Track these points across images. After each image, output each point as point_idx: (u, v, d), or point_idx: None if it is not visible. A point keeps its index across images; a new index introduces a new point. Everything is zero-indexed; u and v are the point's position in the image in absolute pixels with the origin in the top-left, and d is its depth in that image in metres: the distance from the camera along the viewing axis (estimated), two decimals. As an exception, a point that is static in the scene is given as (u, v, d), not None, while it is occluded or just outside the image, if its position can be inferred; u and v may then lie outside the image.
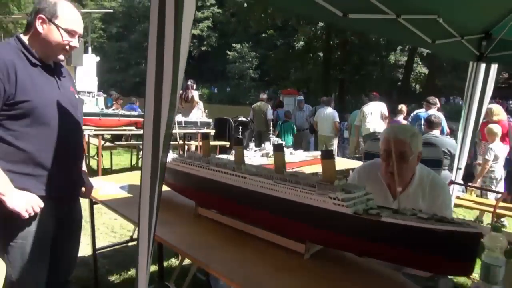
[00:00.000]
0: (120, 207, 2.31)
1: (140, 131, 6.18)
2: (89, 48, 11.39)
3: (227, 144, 7.98)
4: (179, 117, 7.93)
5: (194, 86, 8.51)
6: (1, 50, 1.73)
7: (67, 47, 1.83)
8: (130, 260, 3.30)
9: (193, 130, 6.77)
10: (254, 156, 3.50)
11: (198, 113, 8.61)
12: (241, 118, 8.80)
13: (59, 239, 1.93)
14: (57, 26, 1.79)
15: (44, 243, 1.83)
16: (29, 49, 1.79)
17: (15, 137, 1.72)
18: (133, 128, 6.06)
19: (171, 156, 2.47)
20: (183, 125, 6.66)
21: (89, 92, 11.78)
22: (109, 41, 52.82)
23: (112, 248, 3.44)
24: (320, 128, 8.56)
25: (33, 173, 1.77)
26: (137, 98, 10.68)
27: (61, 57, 1.88)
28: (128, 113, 6.06)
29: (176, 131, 6.74)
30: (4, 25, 16.43)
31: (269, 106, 8.94)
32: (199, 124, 6.79)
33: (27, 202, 1.71)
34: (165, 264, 3.23)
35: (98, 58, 11.69)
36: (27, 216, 1.71)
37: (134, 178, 2.96)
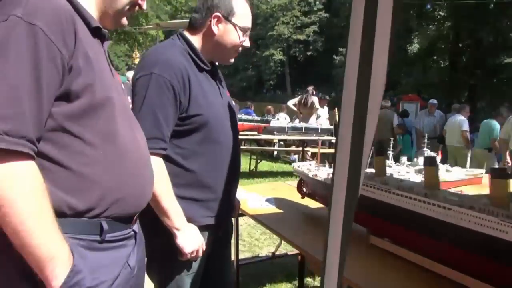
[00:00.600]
0: (273, 223, 2.09)
1: (259, 136, 6.08)
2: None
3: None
4: (296, 123, 7.72)
5: (314, 92, 8.25)
6: (174, 53, 1.48)
7: (240, 48, 1.62)
8: (271, 275, 3.16)
9: (313, 137, 6.46)
10: (407, 172, 3.03)
11: (321, 120, 8.35)
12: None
13: (210, 259, 1.68)
14: (234, 25, 1.53)
15: (199, 272, 1.61)
16: (196, 51, 1.53)
17: (183, 157, 1.48)
18: (255, 133, 5.98)
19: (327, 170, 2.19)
20: (303, 131, 6.40)
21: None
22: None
23: (254, 261, 3.34)
24: (447, 138, 7.70)
25: (198, 198, 1.52)
26: (252, 102, 10.80)
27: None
28: (251, 118, 5.99)
29: (291, 137, 6.54)
30: (134, 37, 18.15)
31: (395, 114, 8.30)
32: (319, 131, 6.45)
33: (195, 244, 1.47)
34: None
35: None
36: (188, 258, 1.48)
37: (278, 190, 2.74)
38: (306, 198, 2.29)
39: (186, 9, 21.91)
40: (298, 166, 2.31)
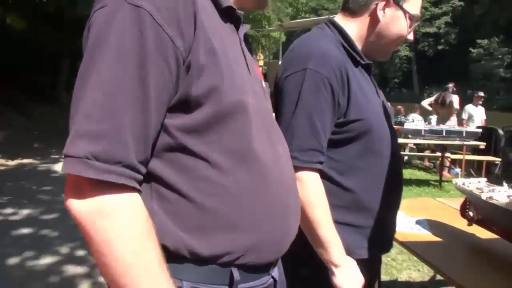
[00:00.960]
0: (432, 256, 1.65)
1: None
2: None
3: (497, 160, 6.41)
4: (433, 125, 6.87)
5: (455, 89, 7.26)
6: (328, 44, 1.18)
7: (403, 41, 1.27)
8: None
9: (457, 142, 5.59)
10: None
11: (475, 121, 7.37)
12: (517, 128, 6.95)
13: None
14: (405, 12, 1.19)
15: None
16: (351, 41, 1.21)
17: (339, 172, 1.18)
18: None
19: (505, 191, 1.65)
20: (443, 134, 5.58)
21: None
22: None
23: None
24: None
25: (357, 224, 1.19)
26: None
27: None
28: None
29: (429, 141, 5.72)
30: (258, 39, 18.71)
31: None
32: (464, 135, 5.55)
33: (356, 284, 1.13)
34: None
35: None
36: None
37: (430, 209, 2.24)
38: (474, 225, 1.79)
39: (307, 10, 21.85)
40: (463, 184, 1.81)
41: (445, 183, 5.86)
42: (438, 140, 5.58)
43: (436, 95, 7.47)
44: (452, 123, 7.04)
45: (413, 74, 49.23)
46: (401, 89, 49.45)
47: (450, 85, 7.16)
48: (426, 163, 7.97)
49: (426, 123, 7.75)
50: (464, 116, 7.54)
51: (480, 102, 7.73)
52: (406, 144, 7.00)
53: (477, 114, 7.53)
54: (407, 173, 7.30)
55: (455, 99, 7.07)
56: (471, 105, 7.69)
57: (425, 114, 8.59)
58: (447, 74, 41.44)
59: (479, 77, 38.45)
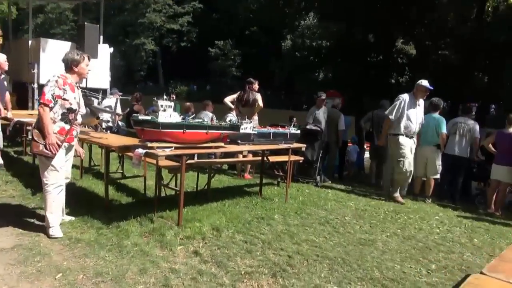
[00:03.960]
0: None
1: (225, 149, 4.71)
2: (101, 38, 9.62)
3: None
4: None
5: (257, 86, 7.11)
6: None
7: None
8: None
9: (283, 145, 5.34)
10: None
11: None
12: (310, 126, 7.44)
13: None
14: None
15: None
16: None
17: None
18: (221, 144, 4.59)
19: None
20: (270, 138, 5.23)
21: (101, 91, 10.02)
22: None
23: None
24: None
25: None
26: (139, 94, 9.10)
27: None
28: (216, 124, 4.55)
29: (257, 147, 5.31)
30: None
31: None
32: (288, 137, 5.37)
33: None
34: None
35: (112, 49, 9.93)
36: None
37: None
38: None
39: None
40: None
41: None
42: (266, 144, 5.17)
43: (238, 92, 7.15)
44: (255, 123, 6.88)
45: (159, 68, 49.97)
46: (147, 82, 49.47)
47: (252, 80, 7.00)
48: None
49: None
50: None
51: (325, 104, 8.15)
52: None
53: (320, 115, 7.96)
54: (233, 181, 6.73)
55: (259, 98, 6.92)
56: None
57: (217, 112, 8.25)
58: (190, 70, 44.16)
59: (216, 74, 42.67)
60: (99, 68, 9.61)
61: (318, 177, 7.37)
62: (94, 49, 9.07)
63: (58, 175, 3.85)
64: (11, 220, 4.20)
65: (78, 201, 4.70)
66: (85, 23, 9.05)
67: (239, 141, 5.00)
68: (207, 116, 7.95)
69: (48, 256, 3.43)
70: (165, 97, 4.16)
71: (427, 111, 6.94)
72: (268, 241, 4.03)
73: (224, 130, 4.54)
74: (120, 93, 9.46)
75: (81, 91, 4.39)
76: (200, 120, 4.43)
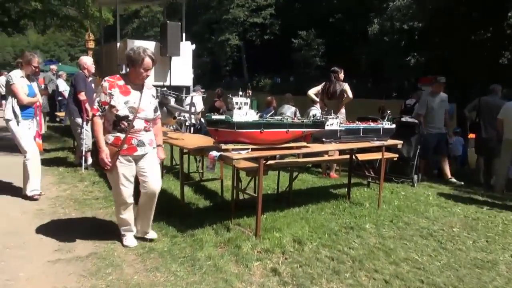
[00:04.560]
0: None
1: (308, 149, 4.13)
2: (184, 35, 9.60)
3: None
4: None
5: (342, 75, 6.42)
6: None
7: None
8: None
9: (375, 143, 4.64)
10: None
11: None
12: (405, 118, 6.57)
13: None
14: None
15: None
16: None
17: None
18: (304, 144, 4.07)
19: None
20: (360, 134, 4.57)
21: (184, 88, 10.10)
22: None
23: None
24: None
25: None
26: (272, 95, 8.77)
27: None
28: (298, 121, 4.03)
29: (345, 146, 4.67)
30: (80, 21, 15.31)
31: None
32: (381, 133, 4.65)
33: None
34: None
35: (194, 46, 9.90)
36: None
37: None
38: None
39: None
40: None
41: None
42: (356, 141, 4.52)
43: (322, 83, 6.53)
44: (342, 116, 6.22)
45: (243, 62, 50.75)
46: (233, 77, 50.55)
47: (337, 69, 6.34)
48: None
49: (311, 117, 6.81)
50: None
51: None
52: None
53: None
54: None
55: (347, 88, 6.22)
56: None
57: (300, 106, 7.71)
58: (273, 63, 44.07)
59: (300, 65, 41.97)
60: (182, 65, 9.66)
61: (415, 176, 6.46)
62: (177, 47, 9.09)
63: (121, 192, 3.44)
64: (92, 224, 4.17)
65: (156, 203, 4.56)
66: (167, 21, 9.10)
67: (324, 140, 4.44)
68: (289, 111, 7.49)
69: (120, 268, 3.25)
70: (240, 93, 3.76)
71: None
72: (359, 258, 3.43)
73: (307, 128, 4.01)
74: (203, 90, 9.41)
75: (158, 90, 4.18)
76: (280, 118, 3.96)
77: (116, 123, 3.29)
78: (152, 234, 3.76)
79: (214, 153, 3.65)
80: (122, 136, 3.29)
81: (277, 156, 5.00)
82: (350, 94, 6.27)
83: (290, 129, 3.83)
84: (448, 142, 7.35)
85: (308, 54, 41.32)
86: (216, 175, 5.35)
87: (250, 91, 3.54)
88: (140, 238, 3.74)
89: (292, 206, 4.73)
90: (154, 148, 3.53)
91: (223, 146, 3.62)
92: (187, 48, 9.78)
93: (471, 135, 9.14)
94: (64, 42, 59.42)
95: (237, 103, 3.64)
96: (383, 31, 30.68)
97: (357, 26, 35.02)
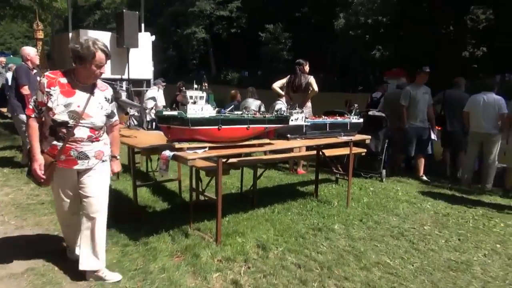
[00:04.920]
0: None
1: (272, 145, 3.71)
2: (142, 25, 9.08)
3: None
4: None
5: (308, 68, 6.16)
6: None
7: None
8: None
9: (343, 138, 4.40)
10: None
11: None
12: (373, 112, 6.39)
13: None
14: None
15: None
16: None
17: None
18: (267, 141, 3.76)
19: None
20: (327, 130, 4.32)
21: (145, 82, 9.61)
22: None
23: None
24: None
25: None
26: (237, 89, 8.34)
27: None
28: (260, 116, 3.70)
29: (312, 142, 4.36)
30: (35, 11, 14.36)
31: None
32: (349, 127, 4.41)
33: None
34: None
35: (153, 37, 9.39)
36: None
37: None
38: None
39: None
40: None
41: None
42: (322, 138, 4.26)
43: (287, 76, 6.24)
44: (308, 111, 5.98)
45: (210, 56, 49.99)
46: (200, 71, 49.74)
47: (302, 61, 6.07)
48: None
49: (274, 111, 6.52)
50: None
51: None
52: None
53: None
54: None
55: (312, 81, 5.96)
56: None
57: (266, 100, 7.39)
58: (240, 56, 43.63)
59: (267, 59, 41.77)
60: (141, 58, 9.14)
61: (383, 171, 6.31)
62: (134, 38, 8.58)
63: (61, 207, 2.92)
64: (33, 234, 3.71)
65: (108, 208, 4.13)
66: (124, 10, 8.55)
67: (288, 136, 4.14)
68: (254, 104, 7.15)
69: (60, 286, 2.83)
70: (195, 86, 3.39)
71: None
72: (328, 265, 3.16)
73: (270, 123, 3.69)
74: (164, 84, 8.92)
75: (107, 82, 3.69)
76: (240, 113, 3.62)
77: (53, 129, 2.66)
78: (106, 274, 2.91)
79: (167, 153, 3.27)
80: (59, 145, 2.67)
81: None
82: (316, 87, 6.02)
83: (251, 125, 3.50)
84: (431, 138, 6.96)
85: (276, 48, 41.22)
86: (175, 175, 4.96)
87: (206, 84, 3.18)
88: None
89: (256, 207, 4.42)
90: (104, 161, 2.89)
91: (177, 145, 3.25)
92: (146, 39, 9.27)
93: (437, 128, 9.17)
94: (21, 34, 56.50)
95: (191, 97, 3.28)
96: (349, 26, 30.97)
97: (324, 21, 35.17)
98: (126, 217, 3.96)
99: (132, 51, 8.80)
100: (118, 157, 3.10)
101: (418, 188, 5.91)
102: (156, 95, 8.60)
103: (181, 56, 49.78)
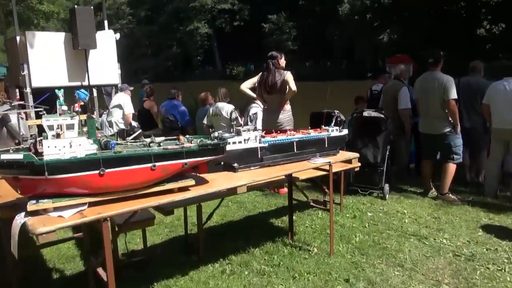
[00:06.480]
0: None
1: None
2: (105, 23, 7.85)
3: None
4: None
5: (283, 61, 4.91)
6: None
7: None
8: None
9: (318, 162, 3.15)
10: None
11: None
12: (368, 113, 5.06)
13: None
14: None
15: None
16: None
17: None
18: (191, 182, 2.52)
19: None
20: (295, 151, 3.07)
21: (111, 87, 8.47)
22: (139, 26, 50.62)
23: None
24: None
25: None
26: (176, 90, 7.11)
27: None
28: (178, 146, 2.40)
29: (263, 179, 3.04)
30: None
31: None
32: (327, 144, 3.15)
33: None
34: None
35: (117, 36, 8.16)
36: None
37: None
38: None
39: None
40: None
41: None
42: (287, 162, 2.99)
43: (259, 74, 4.99)
44: (288, 115, 4.74)
45: (215, 51, 48.88)
46: (205, 67, 48.62)
47: (276, 54, 4.81)
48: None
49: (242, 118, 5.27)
50: None
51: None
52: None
53: None
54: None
55: (289, 78, 4.69)
56: None
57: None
58: (245, 49, 42.26)
59: (272, 50, 40.40)
60: (103, 60, 7.93)
61: (386, 186, 4.98)
62: (92, 38, 7.35)
63: None
64: None
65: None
66: (75, 6, 7.36)
67: (235, 166, 2.88)
68: (225, 110, 5.76)
69: None
70: (63, 107, 2.19)
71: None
72: None
73: (192, 156, 2.42)
74: (131, 88, 7.75)
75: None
76: (141, 143, 2.36)
77: None
78: None
79: (18, 220, 2.07)
80: None
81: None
82: (293, 86, 4.68)
83: (158, 163, 2.25)
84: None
85: (280, 38, 39.81)
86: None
87: (80, 103, 2.21)
88: None
89: (203, 262, 3.19)
90: None
91: (29, 206, 2.04)
92: (108, 38, 8.04)
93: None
94: None
95: (51, 127, 2.05)
96: (354, 10, 29.26)
97: (328, 7, 33.49)
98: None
99: (92, 53, 7.59)
100: None
101: (431, 208, 4.59)
102: (122, 102, 7.43)
103: (185, 53, 48.79)
